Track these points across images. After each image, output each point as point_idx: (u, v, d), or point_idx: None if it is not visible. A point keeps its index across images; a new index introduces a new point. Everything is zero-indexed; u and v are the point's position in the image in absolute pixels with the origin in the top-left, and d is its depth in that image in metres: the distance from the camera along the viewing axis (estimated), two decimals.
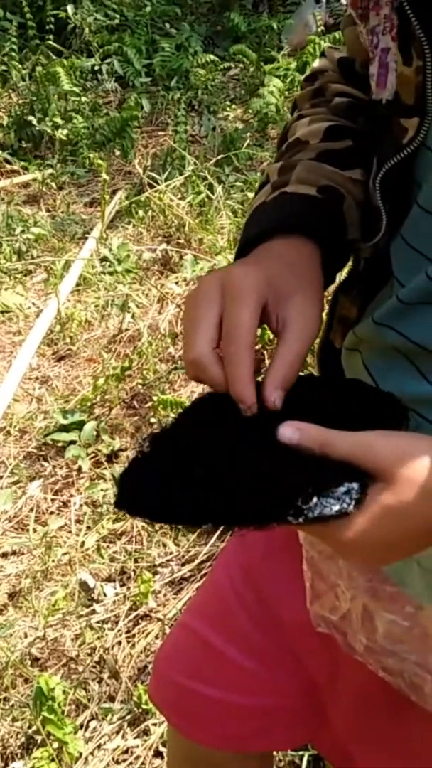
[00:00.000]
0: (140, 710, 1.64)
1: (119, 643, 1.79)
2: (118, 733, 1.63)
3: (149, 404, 2.34)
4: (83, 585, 1.88)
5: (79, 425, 2.26)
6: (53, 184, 3.55)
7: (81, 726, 1.64)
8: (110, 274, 2.89)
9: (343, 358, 0.78)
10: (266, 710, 0.97)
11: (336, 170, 0.75)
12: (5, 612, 1.86)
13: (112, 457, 2.23)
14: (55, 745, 1.57)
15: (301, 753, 1.50)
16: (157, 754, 1.58)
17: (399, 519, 0.55)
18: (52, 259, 3.03)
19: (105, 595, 1.89)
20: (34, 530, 2.04)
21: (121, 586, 1.91)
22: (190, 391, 2.38)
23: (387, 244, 0.71)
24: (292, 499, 0.54)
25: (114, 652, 1.77)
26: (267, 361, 2.17)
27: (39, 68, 4.01)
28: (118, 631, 1.80)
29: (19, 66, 4.13)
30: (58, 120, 3.77)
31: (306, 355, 0.64)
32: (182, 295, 2.77)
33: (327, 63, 0.89)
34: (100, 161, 3.26)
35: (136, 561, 1.95)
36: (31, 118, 3.78)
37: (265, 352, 2.17)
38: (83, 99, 3.96)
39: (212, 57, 4.17)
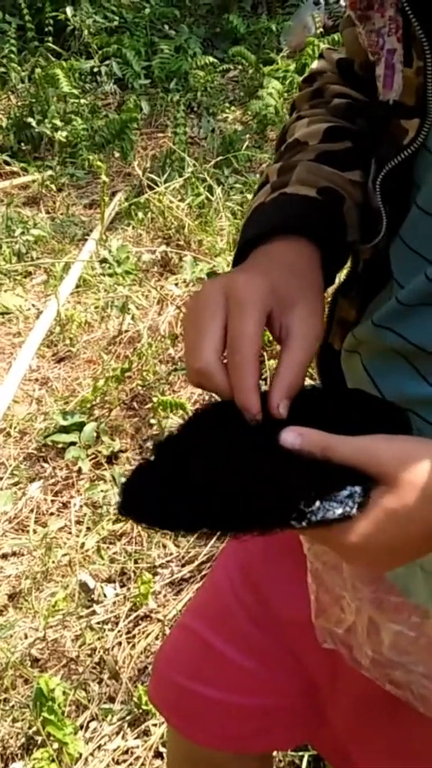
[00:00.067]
0: (140, 711, 1.64)
1: (119, 643, 1.79)
2: (118, 733, 1.63)
3: (149, 405, 2.34)
4: (83, 586, 1.88)
5: (79, 426, 2.26)
6: (53, 186, 3.55)
7: (81, 727, 1.64)
8: (110, 275, 2.90)
9: (342, 360, 0.78)
10: (266, 710, 0.97)
11: (336, 171, 0.75)
12: (5, 613, 1.87)
13: (112, 458, 2.23)
14: (55, 745, 1.57)
15: (300, 753, 1.51)
16: (157, 754, 1.58)
17: (402, 522, 0.56)
18: (52, 261, 3.03)
19: (105, 596, 1.89)
20: (34, 531, 2.04)
21: (121, 587, 1.91)
22: (189, 393, 2.38)
23: (386, 245, 0.71)
24: (295, 502, 0.54)
25: (114, 652, 1.77)
26: (266, 362, 2.17)
27: (38, 70, 4.01)
28: (118, 631, 1.81)
29: (18, 68, 4.14)
30: (58, 122, 3.78)
31: (310, 363, 0.64)
32: (182, 297, 2.77)
33: (325, 64, 0.89)
34: (99, 163, 3.26)
35: (136, 562, 1.95)
36: (30, 119, 3.79)
37: (264, 354, 2.18)
38: (82, 101, 3.96)
39: (211, 59, 4.17)
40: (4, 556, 2.01)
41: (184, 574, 1.91)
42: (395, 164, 0.68)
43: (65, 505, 2.13)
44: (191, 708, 1.00)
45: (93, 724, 1.65)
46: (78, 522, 2.07)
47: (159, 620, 1.82)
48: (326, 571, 0.80)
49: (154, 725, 1.62)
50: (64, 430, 2.27)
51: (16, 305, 2.84)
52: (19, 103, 3.98)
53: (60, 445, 2.25)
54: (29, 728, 1.62)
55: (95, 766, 1.58)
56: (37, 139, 3.80)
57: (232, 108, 4.12)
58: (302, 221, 0.70)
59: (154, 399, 2.27)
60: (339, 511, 0.54)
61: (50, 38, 4.24)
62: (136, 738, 1.62)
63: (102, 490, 2.11)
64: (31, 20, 4.21)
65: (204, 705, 0.98)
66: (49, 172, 3.60)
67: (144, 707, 1.64)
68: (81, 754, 1.58)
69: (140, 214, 3.23)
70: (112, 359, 2.55)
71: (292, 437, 0.57)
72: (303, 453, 0.57)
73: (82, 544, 2.00)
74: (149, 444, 2.25)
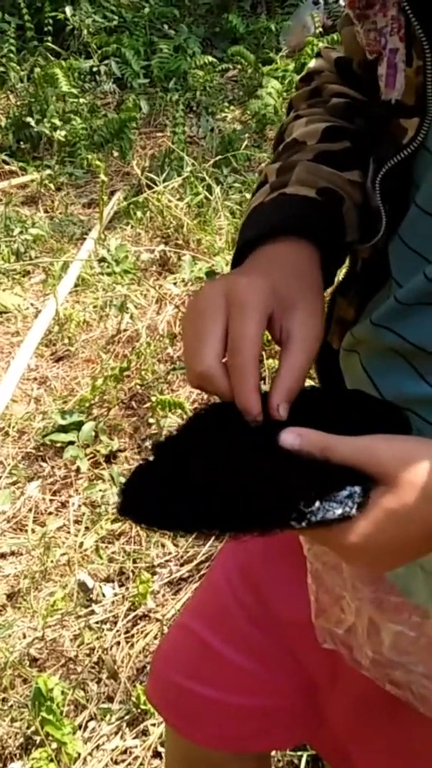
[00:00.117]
0: (139, 710, 1.64)
1: (118, 643, 1.79)
2: (116, 733, 1.63)
3: (148, 405, 2.34)
4: (82, 585, 1.88)
5: (77, 426, 2.26)
6: (51, 185, 3.55)
7: (80, 726, 1.64)
8: (108, 274, 2.89)
9: (341, 359, 0.78)
10: (265, 711, 0.97)
11: (335, 172, 0.75)
12: (4, 612, 1.86)
13: (110, 457, 2.23)
14: (54, 745, 1.57)
15: (299, 753, 1.50)
16: (156, 754, 1.58)
17: (402, 522, 0.56)
18: (51, 260, 3.03)
19: (104, 595, 1.89)
20: (33, 531, 2.04)
21: (120, 586, 1.91)
22: (188, 392, 2.38)
23: (385, 244, 0.71)
24: (295, 503, 0.54)
25: (113, 652, 1.77)
26: (266, 362, 2.17)
27: (37, 69, 4.01)
28: (117, 631, 1.80)
29: (18, 67, 4.13)
30: (57, 121, 3.78)
31: (311, 365, 0.64)
32: (180, 296, 2.77)
33: (323, 63, 0.89)
34: (98, 162, 3.26)
35: (134, 561, 1.95)
36: (29, 119, 3.78)
37: (263, 353, 2.17)
38: (81, 100, 3.96)
39: (210, 58, 4.17)
40: (3, 556, 2.01)
41: (183, 574, 1.91)
42: (394, 163, 0.68)
43: (64, 505, 2.12)
44: (190, 708, 1.00)
45: (91, 724, 1.65)
46: (76, 521, 2.07)
47: (158, 620, 1.82)
48: (326, 571, 0.80)
49: (153, 725, 1.62)
50: (63, 429, 2.27)
51: (15, 304, 2.84)
52: (18, 103, 3.98)
53: (58, 445, 2.25)
54: (28, 728, 1.62)
55: (94, 765, 1.58)
56: (36, 139, 3.80)
57: (231, 107, 4.12)
58: (302, 222, 0.70)
59: (153, 398, 2.27)
60: (339, 511, 0.54)
61: (49, 38, 4.24)
62: (134, 738, 1.62)
63: (100, 490, 2.10)
64: (31, 20, 4.21)
65: (202, 705, 0.98)
66: (48, 172, 3.60)
67: (142, 707, 1.63)
68: (79, 754, 1.58)
69: (139, 214, 3.23)
70: (111, 358, 2.55)
71: (291, 438, 0.57)
72: (302, 453, 0.57)
73: (81, 544, 2.00)
74: (148, 443, 2.25)
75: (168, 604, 1.85)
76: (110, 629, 1.81)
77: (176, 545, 1.98)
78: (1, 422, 2.35)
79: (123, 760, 1.59)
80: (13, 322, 2.79)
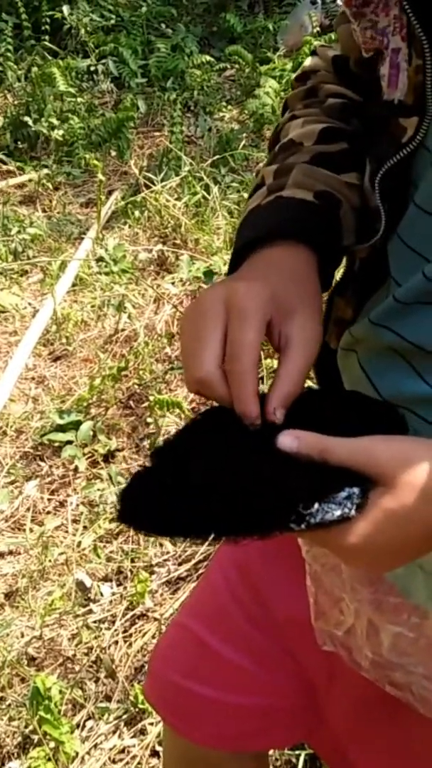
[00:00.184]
0: (137, 710, 1.64)
1: (116, 642, 1.79)
2: (114, 732, 1.63)
3: (146, 404, 2.34)
4: (80, 585, 1.88)
5: (75, 425, 2.26)
6: (49, 185, 3.55)
7: (77, 725, 1.64)
8: (106, 274, 2.89)
9: (338, 358, 0.78)
10: (263, 710, 0.97)
11: (332, 174, 0.75)
12: (2, 612, 1.86)
13: (108, 457, 2.23)
14: (52, 744, 1.57)
15: (297, 752, 1.51)
16: (154, 753, 1.58)
17: (401, 523, 0.56)
18: (48, 260, 3.03)
19: (102, 594, 1.89)
20: (31, 530, 2.04)
21: (118, 585, 1.91)
22: (186, 391, 2.38)
23: (384, 243, 0.71)
24: (294, 505, 0.54)
25: (111, 651, 1.77)
26: (264, 361, 2.17)
27: (35, 69, 4.00)
28: (115, 630, 1.80)
29: (15, 67, 4.13)
30: (54, 120, 3.77)
31: (309, 369, 0.64)
32: (178, 296, 2.77)
33: (319, 62, 0.89)
34: (95, 162, 3.26)
35: (132, 561, 1.95)
36: (26, 118, 3.78)
37: (262, 353, 2.17)
38: (79, 100, 3.95)
39: (208, 58, 4.17)
40: (1, 555, 2.01)
41: (181, 573, 1.91)
42: (394, 163, 0.68)
43: (62, 504, 2.12)
44: (188, 707, 1.00)
45: (89, 723, 1.65)
46: (74, 521, 2.07)
47: (156, 619, 1.82)
48: (325, 573, 0.80)
49: (151, 724, 1.62)
50: (61, 428, 2.26)
51: (13, 304, 2.84)
52: (16, 102, 3.97)
53: (56, 444, 2.25)
54: (26, 727, 1.62)
55: (91, 765, 1.58)
56: (34, 138, 3.79)
57: (229, 107, 4.12)
58: (300, 225, 0.70)
59: (151, 398, 2.27)
60: (338, 512, 0.54)
61: (47, 37, 4.24)
62: (132, 737, 1.62)
63: (98, 489, 2.10)
64: (28, 19, 4.21)
65: (200, 704, 0.98)
66: (46, 171, 3.60)
67: (140, 706, 1.63)
68: (77, 753, 1.58)
69: (137, 213, 3.23)
70: (109, 358, 2.55)
71: (289, 440, 0.57)
72: (301, 456, 0.57)
73: (79, 543, 1.99)
74: (146, 443, 2.25)
75: (166, 604, 1.85)
76: (108, 628, 1.81)
77: (174, 545, 1.98)
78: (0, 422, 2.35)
79: (121, 759, 1.59)
80: (11, 321, 2.79)
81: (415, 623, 0.73)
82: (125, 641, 1.79)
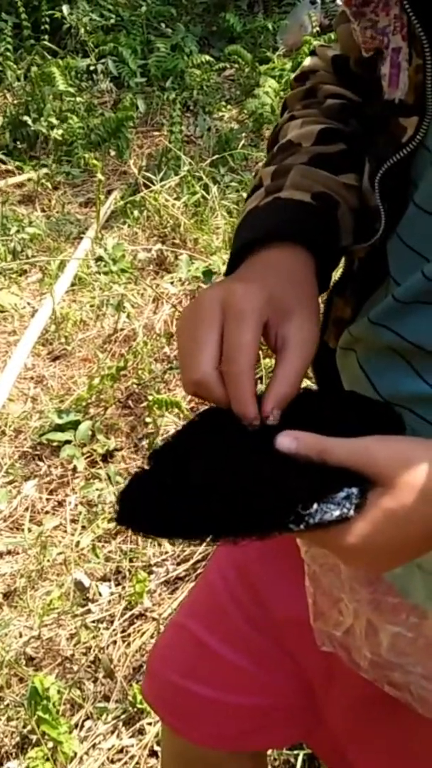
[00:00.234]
0: (135, 710, 1.64)
1: (114, 642, 1.79)
2: (113, 732, 1.63)
3: (144, 404, 2.34)
4: (78, 584, 1.88)
5: (74, 425, 2.26)
6: (48, 184, 3.54)
7: (76, 725, 1.64)
8: (105, 273, 2.89)
9: (337, 357, 0.78)
10: (262, 710, 0.97)
11: (330, 176, 0.75)
12: (0, 611, 1.86)
13: (107, 456, 2.23)
14: (50, 744, 1.56)
15: (296, 752, 1.51)
16: (152, 753, 1.58)
17: (400, 523, 0.56)
18: (47, 259, 3.03)
19: (100, 594, 1.89)
20: (29, 530, 2.04)
21: (116, 585, 1.91)
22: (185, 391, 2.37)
23: (383, 243, 0.71)
24: (293, 505, 0.54)
25: (109, 651, 1.77)
26: (262, 361, 2.17)
27: (34, 68, 4.00)
28: (114, 630, 1.80)
29: (14, 66, 4.13)
30: (54, 120, 3.77)
31: (306, 370, 0.64)
32: (177, 295, 2.77)
33: (318, 62, 0.89)
34: (95, 161, 3.26)
35: (131, 560, 1.95)
36: (26, 118, 3.78)
37: (260, 353, 2.17)
38: (78, 99, 3.95)
39: (207, 57, 4.17)
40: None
41: (180, 573, 1.91)
42: (394, 162, 0.68)
43: (60, 504, 2.12)
44: (186, 707, 1.00)
45: (88, 723, 1.65)
46: (73, 520, 2.07)
47: (154, 619, 1.82)
48: (324, 573, 0.80)
49: (149, 724, 1.61)
50: (59, 428, 2.26)
51: (11, 303, 2.83)
52: (15, 102, 3.97)
53: (55, 444, 2.25)
54: (24, 727, 1.62)
55: (90, 765, 1.58)
56: (33, 138, 3.79)
57: (228, 107, 4.12)
58: (297, 227, 0.71)
59: (150, 397, 2.27)
60: (336, 513, 0.54)
61: (46, 36, 4.24)
62: (131, 737, 1.62)
63: (97, 489, 2.10)
64: (27, 18, 4.20)
65: (199, 704, 0.98)
66: (45, 171, 3.60)
67: (139, 706, 1.63)
68: (76, 753, 1.58)
69: (136, 213, 3.23)
70: (108, 357, 2.55)
71: (287, 441, 0.57)
72: (299, 456, 0.57)
73: (77, 543, 1.99)
74: (145, 443, 2.25)
75: (164, 604, 1.85)
76: (107, 628, 1.81)
77: (173, 545, 1.98)
78: None
79: (119, 759, 1.59)
80: (10, 321, 2.79)
81: (413, 623, 0.73)
82: (124, 641, 1.79)
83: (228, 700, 0.97)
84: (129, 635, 1.80)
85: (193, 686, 0.98)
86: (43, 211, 3.42)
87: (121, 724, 1.64)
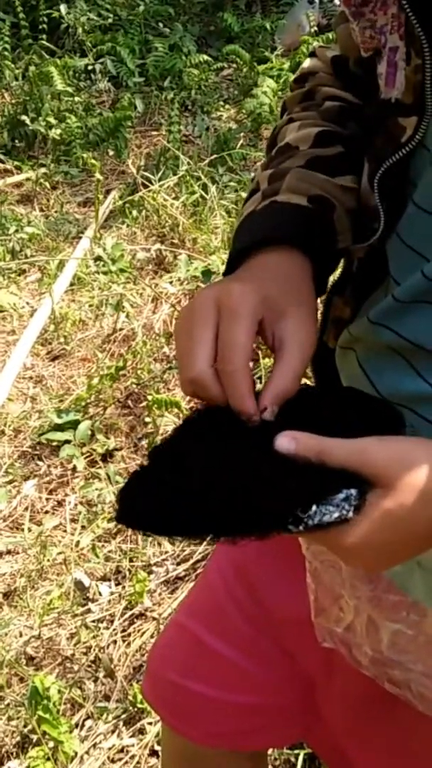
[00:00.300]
0: (136, 709, 1.64)
1: (114, 642, 1.79)
2: (113, 732, 1.63)
3: (144, 404, 2.34)
4: (78, 584, 1.88)
5: (73, 425, 2.26)
6: (47, 184, 3.54)
7: (76, 725, 1.64)
8: (104, 273, 2.89)
9: (337, 357, 0.78)
10: (261, 708, 0.97)
11: (327, 178, 0.75)
12: (0, 611, 1.86)
13: (106, 456, 2.23)
14: (51, 744, 1.57)
15: (296, 751, 1.51)
16: (153, 753, 1.59)
17: (399, 524, 0.56)
18: (46, 259, 3.03)
19: (100, 594, 1.89)
20: (29, 529, 2.04)
21: (116, 585, 1.91)
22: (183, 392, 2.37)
23: (383, 243, 0.71)
24: (291, 507, 0.54)
25: (109, 651, 1.77)
26: (261, 362, 2.17)
27: (32, 68, 4.00)
28: (114, 630, 1.81)
29: (12, 66, 4.13)
30: (52, 120, 3.77)
31: (304, 370, 0.64)
32: (176, 295, 2.77)
33: (318, 63, 0.89)
34: (93, 161, 3.26)
35: (131, 560, 1.95)
36: (24, 117, 3.78)
37: (259, 352, 2.18)
38: (76, 99, 3.95)
39: (205, 57, 4.17)
40: None
41: (179, 573, 1.91)
42: (393, 162, 0.68)
43: (60, 504, 2.12)
44: (186, 705, 1.00)
45: (88, 723, 1.65)
46: (73, 520, 2.07)
47: (154, 618, 1.82)
48: (325, 569, 0.80)
49: (150, 723, 1.62)
50: (59, 428, 2.26)
51: (11, 303, 2.83)
52: (13, 101, 3.97)
53: (54, 443, 2.25)
54: (24, 727, 1.62)
55: (90, 764, 1.58)
56: (31, 137, 3.79)
57: (227, 106, 4.12)
58: (294, 230, 0.71)
59: (149, 397, 2.27)
60: (335, 514, 0.54)
61: (44, 36, 4.24)
62: (131, 736, 1.62)
63: (97, 489, 2.10)
64: (25, 18, 4.21)
65: (198, 702, 0.98)
66: (43, 170, 3.60)
67: (139, 705, 1.64)
68: (76, 753, 1.58)
69: (134, 212, 3.23)
70: (107, 357, 2.55)
71: (286, 442, 0.57)
72: (298, 458, 0.57)
73: (77, 543, 1.99)
74: (144, 443, 2.25)
75: (164, 603, 1.85)
76: (107, 628, 1.81)
77: (172, 544, 1.99)
78: None
79: (120, 759, 1.59)
80: (9, 320, 2.79)
81: (414, 620, 0.74)
82: (124, 641, 1.79)
83: (227, 699, 0.97)
84: (129, 635, 1.80)
85: (193, 685, 0.98)
86: (41, 210, 3.42)
87: (121, 723, 1.64)
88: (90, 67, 4.23)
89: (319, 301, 0.72)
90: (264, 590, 0.93)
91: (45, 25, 4.25)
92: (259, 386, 0.63)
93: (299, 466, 0.56)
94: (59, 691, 1.62)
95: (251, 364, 0.63)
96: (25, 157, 3.74)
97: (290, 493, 0.55)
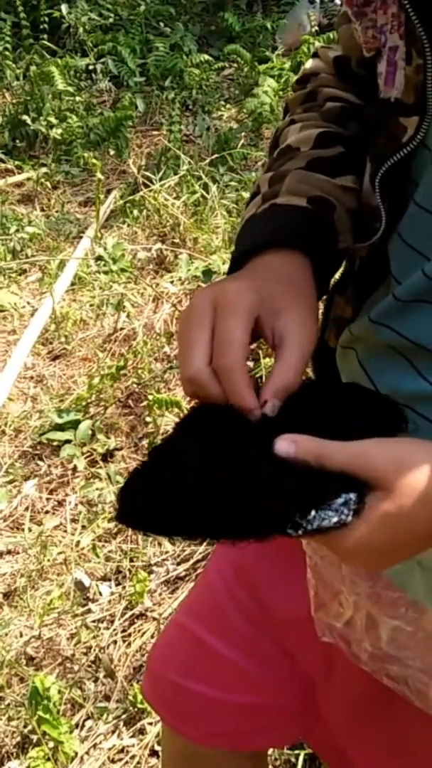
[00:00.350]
0: (136, 709, 1.64)
1: (115, 642, 1.79)
2: (113, 732, 1.63)
3: (144, 403, 2.34)
4: (78, 584, 1.88)
5: (74, 424, 2.26)
6: (48, 184, 3.54)
7: (76, 725, 1.64)
8: (105, 273, 2.89)
9: (337, 356, 0.78)
10: (261, 708, 0.97)
11: (327, 179, 0.76)
12: (0, 611, 1.86)
13: (107, 456, 2.23)
14: (51, 744, 1.57)
15: (297, 752, 1.51)
16: (153, 753, 1.58)
17: (399, 526, 0.56)
18: (47, 259, 3.02)
19: (100, 594, 1.89)
20: (30, 529, 2.04)
21: (117, 585, 1.91)
22: (184, 393, 2.37)
23: (384, 242, 0.71)
24: (291, 508, 0.54)
25: (109, 651, 1.77)
26: (262, 361, 2.17)
27: (33, 68, 4.00)
28: (114, 630, 1.80)
29: (13, 65, 4.13)
30: (53, 119, 3.77)
31: (305, 366, 0.64)
32: (177, 295, 2.77)
33: (320, 64, 0.89)
34: (94, 161, 3.26)
35: (131, 560, 1.95)
36: (25, 117, 3.78)
37: (260, 352, 2.18)
38: (77, 98, 3.95)
39: (206, 57, 4.17)
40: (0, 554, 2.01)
41: (180, 573, 1.91)
42: (394, 162, 0.68)
43: (60, 503, 2.12)
44: (186, 705, 1.00)
45: (88, 723, 1.65)
46: (73, 520, 2.07)
47: (154, 618, 1.82)
48: (325, 565, 0.80)
49: (150, 724, 1.62)
50: (59, 428, 2.26)
51: (11, 303, 2.83)
52: (14, 101, 3.97)
53: (55, 443, 2.25)
54: (25, 727, 1.62)
55: (91, 764, 1.58)
56: (32, 137, 3.79)
57: (228, 106, 4.12)
58: (294, 232, 0.71)
59: (150, 397, 2.27)
60: (335, 519, 0.54)
61: (45, 36, 4.24)
62: (131, 736, 1.62)
63: (97, 488, 2.10)
64: (26, 18, 4.21)
65: (198, 702, 0.98)
66: (44, 170, 3.60)
67: (139, 706, 1.63)
68: (76, 753, 1.58)
69: (135, 212, 3.23)
70: (108, 357, 2.55)
71: (286, 446, 0.57)
72: (297, 461, 0.57)
73: (78, 543, 1.99)
74: (145, 442, 2.25)
75: (165, 603, 1.85)
76: (107, 628, 1.81)
77: (173, 544, 1.98)
78: None
79: (120, 759, 1.59)
80: (10, 320, 2.79)
81: (412, 617, 0.74)
82: (124, 641, 1.79)
83: (227, 699, 0.97)
84: (129, 635, 1.80)
85: (193, 685, 0.98)
86: (42, 210, 3.42)
87: (121, 723, 1.64)
88: (91, 67, 4.23)
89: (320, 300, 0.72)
90: (264, 590, 0.93)
91: (46, 25, 4.25)
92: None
93: (298, 470, 0.56)
94: (59, 692, 1.62)
95: (252, 364, 0.63)
96: (26, 157, 3.74)
97: (290, 493, 0.54)
